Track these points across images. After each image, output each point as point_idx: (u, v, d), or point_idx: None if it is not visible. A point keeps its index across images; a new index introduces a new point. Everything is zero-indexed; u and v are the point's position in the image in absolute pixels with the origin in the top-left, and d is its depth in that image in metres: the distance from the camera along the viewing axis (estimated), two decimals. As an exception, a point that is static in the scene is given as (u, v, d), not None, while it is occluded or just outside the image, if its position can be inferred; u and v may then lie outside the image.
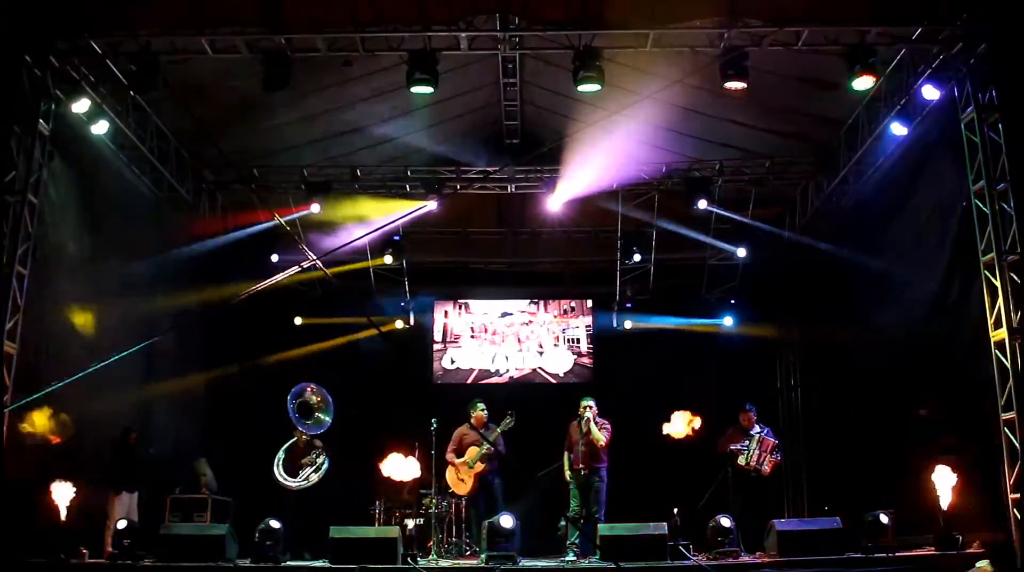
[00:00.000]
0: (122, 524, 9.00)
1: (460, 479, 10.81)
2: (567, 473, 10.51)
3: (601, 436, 10.20)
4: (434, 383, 14.71)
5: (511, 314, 14.93)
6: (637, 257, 13.64)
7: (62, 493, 8.50)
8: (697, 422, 10.42)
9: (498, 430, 10.68)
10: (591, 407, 10.35)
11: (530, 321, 14.93)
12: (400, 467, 10.37)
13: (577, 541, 9.98)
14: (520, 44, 9.78)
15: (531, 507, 11.13)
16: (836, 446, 12.51)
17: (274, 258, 13.47)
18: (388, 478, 10.55)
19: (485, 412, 10.87)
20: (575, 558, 9.71)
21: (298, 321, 14.21)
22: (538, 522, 10.85)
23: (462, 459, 10.75)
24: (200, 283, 12.57)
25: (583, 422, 10.26)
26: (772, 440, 10.67)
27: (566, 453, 10.58)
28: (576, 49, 9.18)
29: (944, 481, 8.69)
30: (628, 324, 13.99)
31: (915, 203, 10.31)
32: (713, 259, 14.29)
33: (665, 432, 10.57)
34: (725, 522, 9.30)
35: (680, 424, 10.42)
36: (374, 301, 14.65)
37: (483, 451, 10.58)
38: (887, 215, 10.98)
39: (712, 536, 9.24)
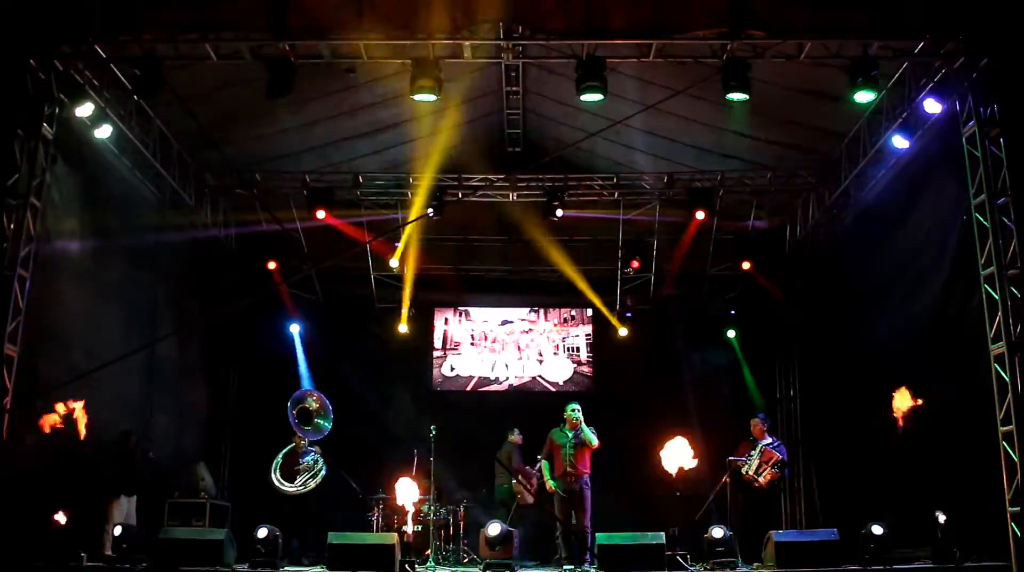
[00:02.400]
0: (120, 528, 8.99)
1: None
2: (549, 482, 10.26)
3: (593, 438, 10.03)
4: (434, 390, 14.71)
5: (511, 322, 14.95)
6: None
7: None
8: (690, 461, 10.05)
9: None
10: (578, 409, 10.21)
11: (530, 329, 14.94)
12: (408, 491, 10.33)
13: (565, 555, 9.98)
14: (523, 53, 9.78)
15: (529, 516, 11.11)
16: (835, 457, 12.50)
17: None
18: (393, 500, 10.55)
19: None
20: (573, 568, 9.69)
21: (295, 327, 14.20)
22: (537, 531, 10.84)
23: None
24: (202, 287, 12.59)
25: (572, 423, 10.05)
26: (776, 454, 10.60)
27: (544, 462, 10.36)
28: (579, 58, 9.18)
29: (940, 494, 8.68)
30: (624, 332, 13.99)
31: (916, 216, 10.32)
32: (714, 269, 14.30)
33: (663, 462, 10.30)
34: (717, 533, 9.30)
35: (676, 458, 10.05)
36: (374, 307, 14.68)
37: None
38: (887, 227, 10.99)
39: (708, 547, 9.25)
